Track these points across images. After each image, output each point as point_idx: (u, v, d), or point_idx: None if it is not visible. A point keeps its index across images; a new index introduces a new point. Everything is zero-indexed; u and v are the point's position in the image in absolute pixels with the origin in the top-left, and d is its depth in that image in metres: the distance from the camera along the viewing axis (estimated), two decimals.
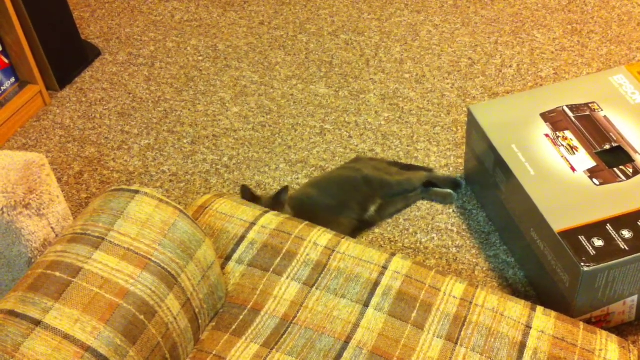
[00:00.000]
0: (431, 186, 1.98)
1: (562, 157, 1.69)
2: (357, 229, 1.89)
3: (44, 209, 1.23)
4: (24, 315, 1.05)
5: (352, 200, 1.85)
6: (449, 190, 1.96)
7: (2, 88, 2.33)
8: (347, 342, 1.23)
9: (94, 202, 1.25)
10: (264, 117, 2.30)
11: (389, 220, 1.94)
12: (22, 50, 2.29)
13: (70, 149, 2.23)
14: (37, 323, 1.04)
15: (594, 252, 1.47)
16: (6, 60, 2.33)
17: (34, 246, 1.23)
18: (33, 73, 2.34)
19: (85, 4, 2.85)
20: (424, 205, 1.97)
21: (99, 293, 1.09)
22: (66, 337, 1.03)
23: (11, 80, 2.36)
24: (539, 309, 1.30)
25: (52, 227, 1.26)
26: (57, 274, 1.10)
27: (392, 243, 1.88)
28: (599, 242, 1.49)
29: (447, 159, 2.10)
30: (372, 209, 1.89)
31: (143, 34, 2.68)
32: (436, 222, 1.93)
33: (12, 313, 1.05)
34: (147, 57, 2.57)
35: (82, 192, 2.09)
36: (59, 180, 2.13)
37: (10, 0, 2.20)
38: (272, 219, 1.42)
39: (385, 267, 1.34)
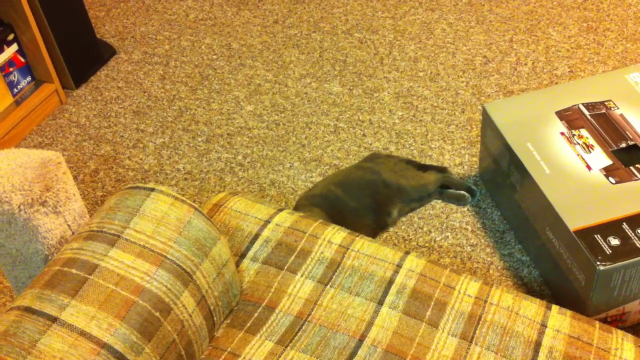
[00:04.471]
0: (446, 188, 1.97)
1: (578, 155, 1.68)
2: (380, 229, 1.90)
3: (60, 206, 1.24)
4: (40, 311, 1.06)
5: (375, 203, 1.86)
6: (463, 192, 1.96)
7: (19, 87, 2.35)
8: (361, 340, 1.23)
9: (110, 199, 1.25)
10: (278, 115, 2.30)
11: (403, 219, 1.93)
12: (38, 50, 2.31)
13: (86, 147, 2.25)
14: (54, 320, 1.05)
15: (610, 251, 1.47)
16: (22, 59, 2.34)
17: (51, 243, 1.24)
18: (49, 72, 2.36)
19: (101, 3, 2.86)
20: (438, 204, 1.97)
21: (114, 290, 1.10)
22: (82, 333, 1.04)
23: (27, 79, 2.38)
24: (554, 307, 1.29)
25: (68, 225, 1.27)
26: (74, 271, 1.11)
27: (406, 241, 1.88)
28: (614, 241, 1.48)
29: (461, 158, 2.09)
30: (395, 213, 1.90)
31: (158, 32, 2.69)
32: (450, 220, 1.92)
33: (28, 310, 1.06)
34: (162, 55, 2.58)
35: (97, 190, 2.10)
36: (75, 178, 2.15)
37: (27, 0, 2.21)
38: (286, 217, 1.43)
39: (399, 266, 1.34)
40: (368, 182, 1.89)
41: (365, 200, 1.85)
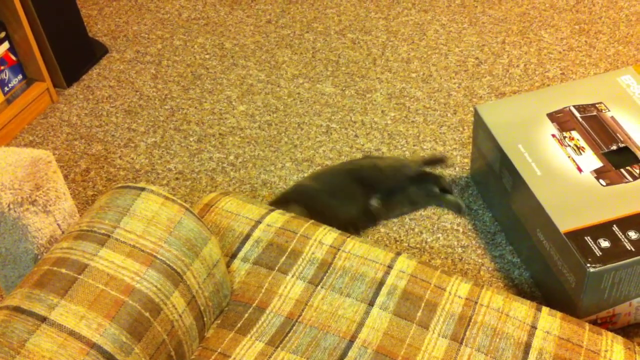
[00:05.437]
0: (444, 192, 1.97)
1: (569, 157, 1.69)
2: (364, 221, 1.89)
3: (50, 205, 1.23)
4: (29, 311, 1.05)
5: (353, 190, 1.85)
6: (460, 202, 1.94)
7: (10, 85, 2.34)
8: (352, 341, 1.23)
9: (100, 199, 1.25)
10: (270, 115, 2.30)
11: (395, 220, 1.93)
12: (30, 48, 2.30)
13: (77, 147, 2.24)
14: (43, 319, 1.04)
15: (600, 253, 1.47)
16: (14, 58, 2.33)
17: (40, 243, 1.23)
18: (40, 70, 2.35)
19: (93, 2, 2.85)
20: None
21: (104, 290, 1.09)
22: (72, 333, 1.04)
23: (18, 77, 2.37)
24: (545, 309, 1.29)
25: (58, 224, 1.26)
26: (63, 270, 1.10)
27: (398, 242, 1.88)
28: (605, 243, 1.49)
29: (453, 159, 2.10)
30: (375, 201, 1.88)
31: (150, 31, 2.69)
32: (442, 221, 1.92)
33: (18, 309, 1.06)
34: (154, 55, 2.58)
35: (88, 189, 2.10)
36: (66, 177, 2.14)
37: None
38: (277, 218, 1.42)
39: (390, 267, 1.34)
40: (345, 171, 1.89)
41: (342, 187, 1.84)
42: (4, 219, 1.19)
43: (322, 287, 1.31)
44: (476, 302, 1.29)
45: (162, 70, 2.51)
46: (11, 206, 1.18)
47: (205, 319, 1.24)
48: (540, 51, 2.45)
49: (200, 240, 1.24)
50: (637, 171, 1.63)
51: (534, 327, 1.25)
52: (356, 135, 2.20)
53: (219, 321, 1.28)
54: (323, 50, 2.54)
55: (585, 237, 1.50)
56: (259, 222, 1.41)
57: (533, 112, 1.81)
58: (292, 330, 1.25)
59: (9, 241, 1.23)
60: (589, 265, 1.45)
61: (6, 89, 2.33)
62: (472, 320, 1.26)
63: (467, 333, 1.24)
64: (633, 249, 1.47)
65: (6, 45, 2.29)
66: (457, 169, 2.07)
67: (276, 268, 1.34)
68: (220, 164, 2.14)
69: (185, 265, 1.19)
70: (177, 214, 1.23)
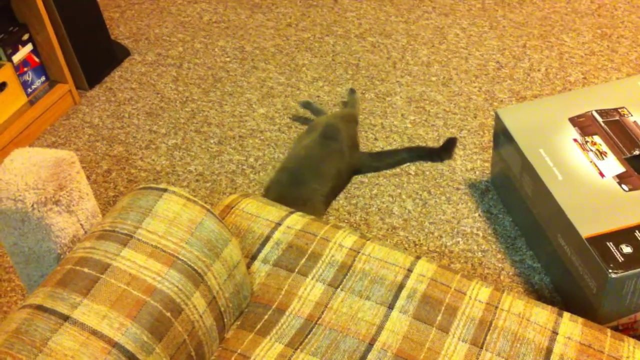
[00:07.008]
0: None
1: (591, 162, 1.68)
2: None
3: (73, 205, 1.24)
4: (52, 310, 1.06)
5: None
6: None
7: (33, 87, 2.37)
8: (371, 344, 1.23)
9: (122, 199, 1.26)
10: (289, 118, 2.30)
11: (414, 224, 1.93)
12: (53, 50, 2.32)
13: (99, 148, 2.26)
14: (65, 318, 1.05)
15: (622, 259, 1.46)
16: (37, 59, 2.36)
17: (63, 242, 1.24)
18: (63, 72, 2.37)
19: (115, 5, 2.88)
20: (449, 208, 1.96)
21: (126, 290, 1.10)
22: (94, 332, 1.05)
23: (41, 79, 2.39)
24: (566, 314, 1.28)
25: (81, 224, 1.27)
26: (86, 270, 1.11)
27: (417, 246, 1.88)
28: (627, 249, 1.48)
29: (473, 163, 2.09)
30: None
31: (171, 34, 2.70)
32: (461, 225, 1.92)
33: (40, 308, 1.07)
34: (176, 57, 2.59)
35: (110, 190, 2.11)
36: (87, 178, 2.16)
37: (42, 1, 2.23)
38: (297, 220, 1.43)
39: (410, 270, 1.34)
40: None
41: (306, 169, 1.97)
42: (27, 218, 1.20)
43: (341, 290, 1.31)
44: (497, 307, 1.28)
45: (183, 72, 2.52)
46: (35, 206, 1.19)
47: (225, 319, 1.24)
48: (562, 55, 2.44)
49: (221, 241, 1.24)
50: None
51: (555, 333, 1.24)
52: (376, 139, 2.20)
53: (239, 322, 1.28)
54: (343, 54, 2.55)
55: (607, 243, 1.49)
56: (279, 224, 1.41)
57: (554, 117, 1.80)
58: (311, 332, 1.25)
59: (32, 240, 1.25)
60: (610, 271, 1.44)
61: (29, 90, 2.36)
62: (493, 325, 1.25)
63: (488, 338, 1.24)
64: None
65: (29, 47, 2.32)
66: (477, 173, 2.06)
67: (296, 270, 1.34)
68: (240, 166, 2.15)
69: (206, 266, 1.20)
70: (198, 215, 1.24)
